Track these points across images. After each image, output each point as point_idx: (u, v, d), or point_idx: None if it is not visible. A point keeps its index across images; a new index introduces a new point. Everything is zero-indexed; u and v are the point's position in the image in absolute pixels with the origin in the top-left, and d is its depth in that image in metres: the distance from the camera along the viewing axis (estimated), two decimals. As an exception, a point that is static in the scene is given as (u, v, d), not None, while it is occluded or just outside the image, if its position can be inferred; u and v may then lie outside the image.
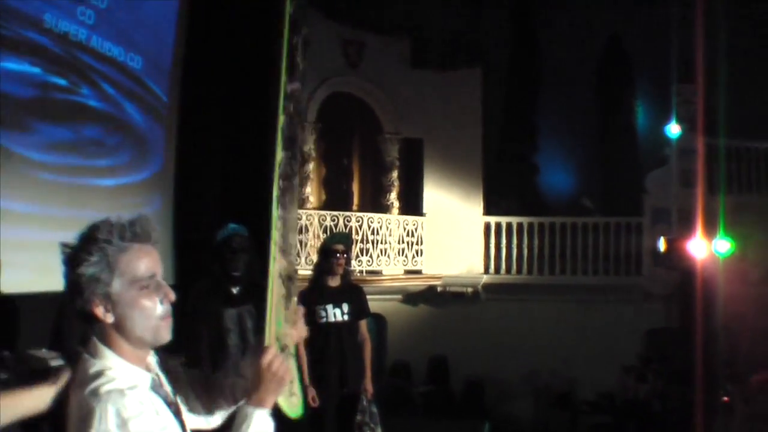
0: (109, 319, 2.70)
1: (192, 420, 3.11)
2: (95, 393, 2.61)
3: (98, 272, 2.67)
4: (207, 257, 7.96)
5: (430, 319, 18.56)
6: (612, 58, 20.93)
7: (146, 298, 2.73)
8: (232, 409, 3.17)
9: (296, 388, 3.38)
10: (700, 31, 15.10)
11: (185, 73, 12.17)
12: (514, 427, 17.46)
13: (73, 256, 2.71)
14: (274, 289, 3.15)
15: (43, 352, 7.70)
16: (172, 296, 2.82)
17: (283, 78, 3.31)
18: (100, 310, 2.69)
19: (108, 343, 2.74)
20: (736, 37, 16.24)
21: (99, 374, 2.68)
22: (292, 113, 3.43)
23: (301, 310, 3.49)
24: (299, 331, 3.37)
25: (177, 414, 2.90)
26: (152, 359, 2.96)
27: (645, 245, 18.06)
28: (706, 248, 13.99)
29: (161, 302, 2.78)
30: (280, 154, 3.32)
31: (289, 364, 3.10)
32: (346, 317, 8.69)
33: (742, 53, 16.63)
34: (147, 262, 2.75)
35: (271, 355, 2.95)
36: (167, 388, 2.97)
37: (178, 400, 3.02)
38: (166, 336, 2.83)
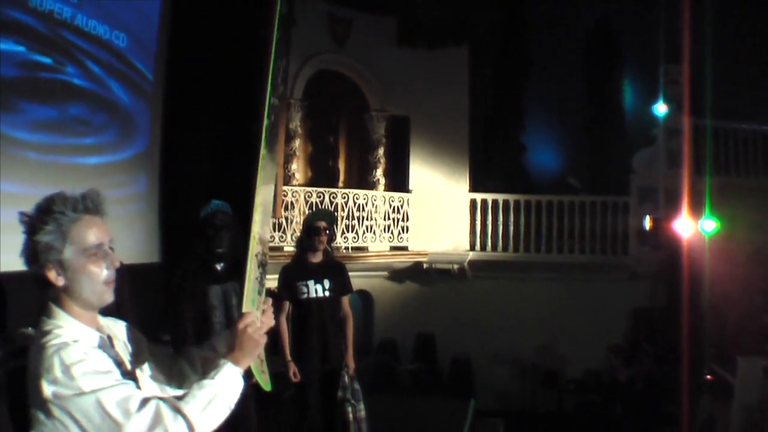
0: (60, 282, 3.03)
1: (149, 386, 3.29)
2: (43, 348, 2.92)
3: (52, 240, 2.99)
4: (191, 235, 7.95)
5: (416, 297, 18.58)
6: (600, 38, 20.96)
7: (93, 265, 3.07)
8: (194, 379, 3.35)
9: (265, 366, 3.57)
10: (686, 11, 15.10)
11: (171, 51, 12.13)
12: (501, 404, 17.50)
13: (31, 225, 3.01)
14: (252, 267, 3.39)
15: (30, 331, 7.71)
16: (117, 263, 3.16)
17: (269, 90, 3.57)
18: (52, 275, 3.01)
19: (60, 305, 3.07)
20: (723, 18, 16.22)
21: (48, 332, 2.99)
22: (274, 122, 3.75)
23: (270, 300, 3.50)
24: (267, 320, 3.41)
25: (126, 374, 3.12)
26: (106, 322, 3.32)
27: (632, 224, 18.12)
28: (692, 227, 14.02)
29: (107, 268, 3.12)
30: (263, 151, 3.61)
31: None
32: (327, 293, 8.70)
33: (729, 34, 16.63)
34: (96, 232, 3.09)
35: (249, 320, 3.21)
36: (118, 349, 3.25)
37: (128, 362, 3.26)
38: (109, 298, 3.17)
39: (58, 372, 2.85)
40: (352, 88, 18.74)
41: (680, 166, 16.50)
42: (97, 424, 2.81)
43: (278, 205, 14.07)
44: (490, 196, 19.03)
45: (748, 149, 18.14)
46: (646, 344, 15.42)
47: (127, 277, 7.62)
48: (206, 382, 3.02)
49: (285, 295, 8.74)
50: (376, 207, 17.98)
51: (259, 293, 3.54)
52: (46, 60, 9.27)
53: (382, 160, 18.75)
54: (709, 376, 11.84)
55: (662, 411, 13.05)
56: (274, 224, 15.89)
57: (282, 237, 16.04)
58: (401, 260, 18.55)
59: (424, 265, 18.59)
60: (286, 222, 16.09)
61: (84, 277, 3.05)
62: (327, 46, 17.85)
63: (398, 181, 19.00)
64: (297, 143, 17.30)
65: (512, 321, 17.78)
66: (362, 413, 8.70)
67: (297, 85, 17.13)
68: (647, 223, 15.99)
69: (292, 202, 16.36)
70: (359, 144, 19.11)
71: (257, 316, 3.30)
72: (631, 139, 19.68)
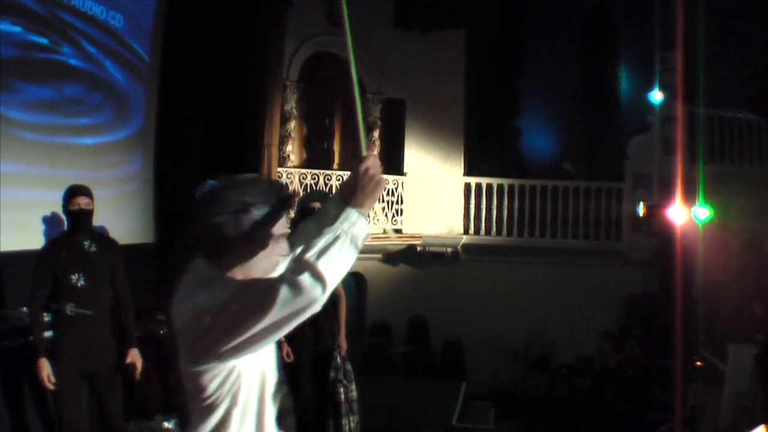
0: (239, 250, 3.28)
1: None
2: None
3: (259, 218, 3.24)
4: (187, 215, 7.96)
5: (410, 279, 18.61)
6: (597, 24, 20.97)
7: (274, 248, 3.34)
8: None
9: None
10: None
11: (167, 31, 12.12)
12: (493, 388, 17.56)
13: (243, 197, 3.28)
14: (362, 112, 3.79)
15: (24, 311, 7.74)
16: (288, 255, 3.48)
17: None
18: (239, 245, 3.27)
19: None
20: (718, 6, 16.23)
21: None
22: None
23: (373, 149, 3.65)
24: (373, 162, 3.56)
25: None
26: None
27: (625, 210, 18.17)
28: (685, 215, 14.05)
29: (280, 255, 3.41)
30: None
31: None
32: None
33: (723, 23, 16.65)
34: (285, 224, 3.37)
35: (369, 161, 3.49)
36: None
37: None
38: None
39: (216, 282, 3.22)
40: (348, 70, 18.73)
41: (675, 152, 16.53)
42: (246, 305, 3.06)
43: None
44: (484, 180, 19.06)
45: (743, 138, 18.20)
46: (636, 330, 15.47)
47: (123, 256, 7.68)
48: (326, 230, 3.17)
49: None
50: (370, 189, 17.99)
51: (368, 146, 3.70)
52: (43, 40, 9.27)
53: (377, 143, 18.77)
54: (699, 363, 11.90)
55: (652, 396, 13.11)
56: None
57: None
58: (395, 243, 18.57)
59: (418, 248, 18.61)
60: (281, 204, 16.11)
61: (263, 255, 3.29)
62: (323, 28, 17.83)
63: (393, 164, 19.01)
64: (292, 125, 17.35)
65: (505, 305, 17.83)
66: (354, 394, 8.76)
67: (293, 66, 17.16)
68: (641, 209, 16.01)
69: (286, 184, 16.37)
70: (354, 126, 19.13)
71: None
72: (626, 126, 19.73)
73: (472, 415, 12.68)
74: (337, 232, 3.13)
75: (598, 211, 18.64)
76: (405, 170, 18.91)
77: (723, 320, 13.77)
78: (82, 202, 7.16)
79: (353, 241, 3.16)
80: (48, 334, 7.13)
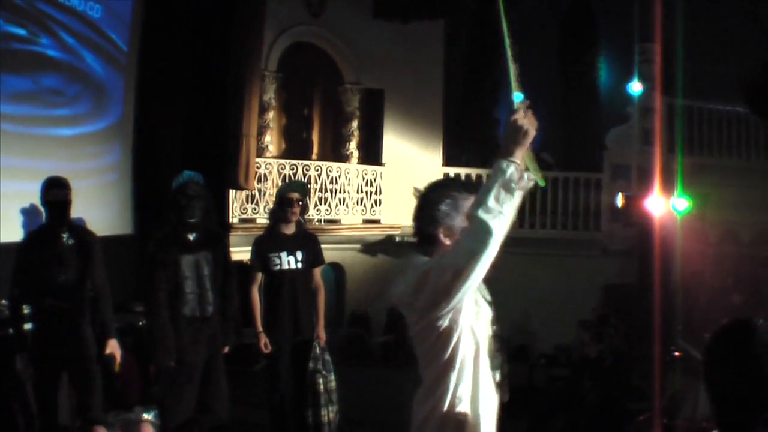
0: (446, 241, 3.96)
1: None
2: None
3: (449, 210, 3.99)
4: (165, 205, 7.98)
5: (388, 270, 18.57)
6: (576, 15, 20.99)
7: None
8: None
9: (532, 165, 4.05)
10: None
11: (145, 21, 12.10)
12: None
13: (433, 198, 4.02)
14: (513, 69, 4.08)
15: (3, 303, 7.73)
16: None
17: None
18: (441, 235, 3.98)
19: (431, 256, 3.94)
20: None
21: None
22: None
23: (527, 103, 3.96)
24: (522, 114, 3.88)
25: None
26: None
27: (604, 201, 18.21)
28: (664, 205, 14.10)
29: None
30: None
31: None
32: (300, 265, 8.74)
33: (702, 14, 16.68)
34: None
35: (520, 113, 3.81)
36: None
37: None
38: None
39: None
40: (327, 60, 18.72)
41: (653, 143, 16.59)
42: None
43: (251, 177, 14.07)
44: (463, 170, 19.04)
45: (722, 129, 18.28)
46: (614, 320, 15.52)
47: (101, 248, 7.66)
48: (485, 185, 3.72)
49: (257, 266, 8.77)
50: (349, 180, 17.98)
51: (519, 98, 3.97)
52: (21, 31, 9.24)
53: (356, 133, 18.75)
54: (677, 353, 11.95)
55: (631, 386, 13.16)
56: (246, 196, 15.89)
57: (255, 209, 16.02)
58: (374, 233, 18.56)
59: (397, 238, 18.59)
60: (259, 194, 16.07)
61: None
62: (302, 18, 17.80)
63: (372, 154, 18.99)
64: (271, 115, 17.29)
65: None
66: (333, 384, 8.78)
67: (271, 56, 17.10)
68: (619, 200, 16.09)
69: (265, 174, 16.33)
70: (333, 116, 19.11)
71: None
72: (605, 117, 19.77)
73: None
74: (495, 183, 3.66)
75: (576, 202, 18.66)
76: (383, 160, 18.88)
77: (701, 310, 13.82)
78: (60, 193, 7.16)
79: (509, 186, 3.69)
80: (28, 326, 7.13)
